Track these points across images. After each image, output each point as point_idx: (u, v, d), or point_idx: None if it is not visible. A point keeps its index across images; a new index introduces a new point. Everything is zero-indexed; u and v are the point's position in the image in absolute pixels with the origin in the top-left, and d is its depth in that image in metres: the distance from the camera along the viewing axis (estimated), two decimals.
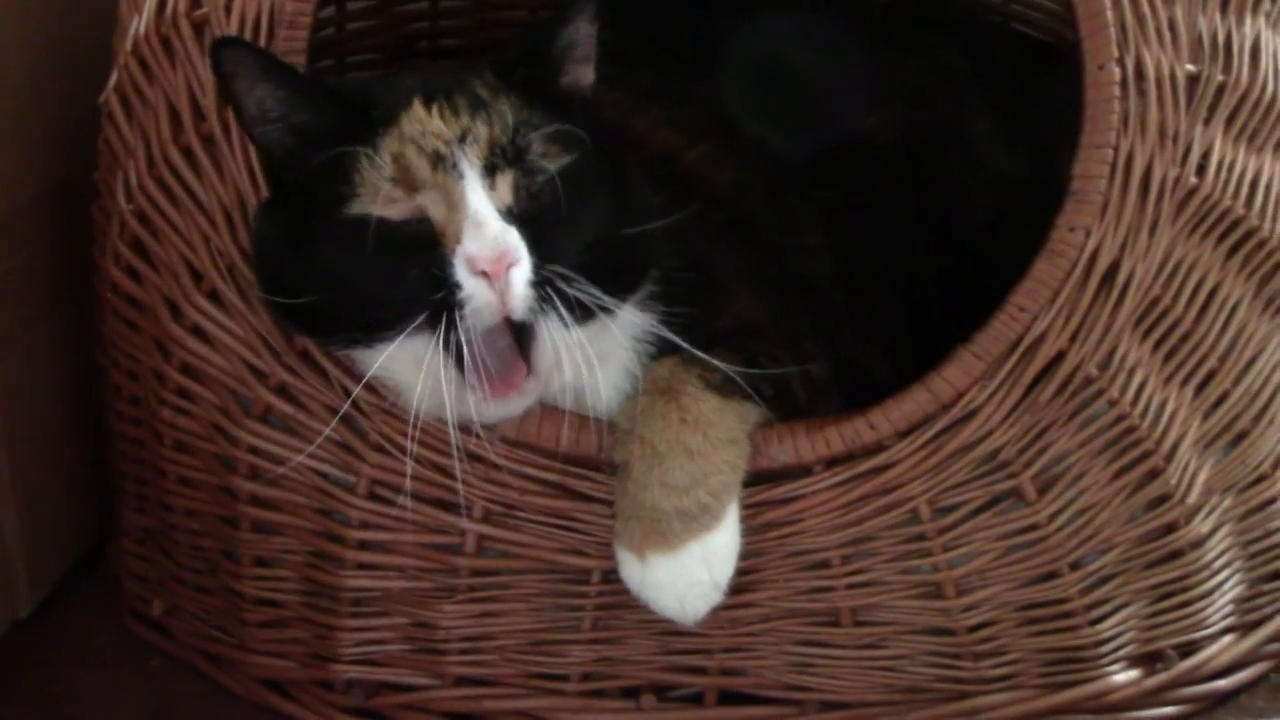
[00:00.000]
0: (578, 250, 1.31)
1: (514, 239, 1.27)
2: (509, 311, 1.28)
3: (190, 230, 1.46)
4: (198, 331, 1.47)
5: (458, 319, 1.27)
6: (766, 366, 1.43)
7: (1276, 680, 1.57)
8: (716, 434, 1.38)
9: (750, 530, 1.42)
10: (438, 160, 1.29)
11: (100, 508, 1.75)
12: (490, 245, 1.27)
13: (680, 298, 1.40)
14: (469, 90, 1.34)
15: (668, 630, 1.45)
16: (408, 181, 1.29)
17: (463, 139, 1.29)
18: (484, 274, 1.26)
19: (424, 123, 1.31)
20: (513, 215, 1.29)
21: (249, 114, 1.33)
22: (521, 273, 1.27)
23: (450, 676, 1.50)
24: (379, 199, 1.29)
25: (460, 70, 1.39)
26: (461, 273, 1.27)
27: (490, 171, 1.29)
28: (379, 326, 1.30)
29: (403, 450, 1.41)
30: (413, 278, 1.28)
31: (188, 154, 1.45)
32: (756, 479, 1.42)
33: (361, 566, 1.48)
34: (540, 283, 1.28)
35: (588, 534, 1.43)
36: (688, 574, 1.38)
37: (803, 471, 1.42)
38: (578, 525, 1.43)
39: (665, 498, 1.37)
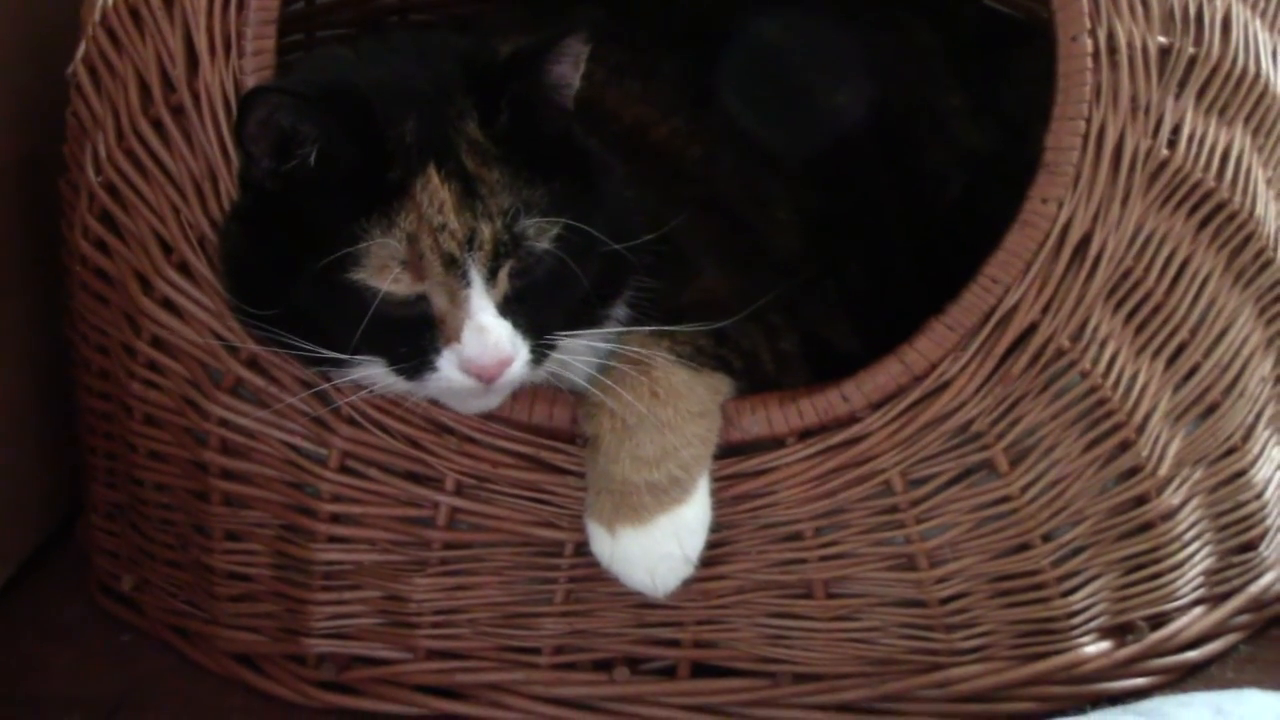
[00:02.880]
0: (573, 304, 1.33)
1: (511, 343, 1.28)
2: (496, 391, 1.32)
3: (160, 202, 1.45)
4: (167, 304, 1.46)
5: (424, 376, 1.29)
6: (734, 339, 1.44)
7: (1246, 652, 1.58)
8: (687, 406, 1.38)
9: (723, 502, 1.42)
10: (450, 262, 1.28)
11: (69, 483, 1.74)
12: (490, 352, 1.27)
13: (648, 271, 1.39)
14: (460, 160, 1.29)
15: (640, 603, 1.45)
16: (417, 270, 1.28)
17: (470, 241, 1.27)
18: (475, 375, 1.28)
19: (441, 207, 1.28)
20: (508, 303, 1.29)
21: (270, 145, 1.29)
22: (517, 366, 1.29)
23: (422, 650, 1.50)
24: (385, 276, 1.27)
25: (445, 97, 1.32)
26: (446, 363, 1.28)
27: (493, 273, 1.28)
28: (346, 364, 1.31)
29: (374, 423, 1.41)
30: (397, 342, 1.29)
31: (157, 125, 1.44)
32: (729, 451, 1.42)
33: (333, 540, 1.47)
34: (534, 354, 1.30)
35: (560, 507, 1.43)
36: (658, 547, 1.38)
37: (775, 443, 1.42)
38: (550, 498, 1.43)
39: (635, 471, 1.36)
